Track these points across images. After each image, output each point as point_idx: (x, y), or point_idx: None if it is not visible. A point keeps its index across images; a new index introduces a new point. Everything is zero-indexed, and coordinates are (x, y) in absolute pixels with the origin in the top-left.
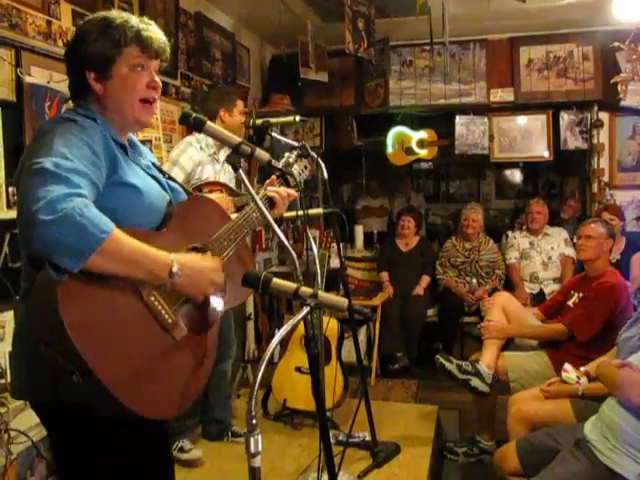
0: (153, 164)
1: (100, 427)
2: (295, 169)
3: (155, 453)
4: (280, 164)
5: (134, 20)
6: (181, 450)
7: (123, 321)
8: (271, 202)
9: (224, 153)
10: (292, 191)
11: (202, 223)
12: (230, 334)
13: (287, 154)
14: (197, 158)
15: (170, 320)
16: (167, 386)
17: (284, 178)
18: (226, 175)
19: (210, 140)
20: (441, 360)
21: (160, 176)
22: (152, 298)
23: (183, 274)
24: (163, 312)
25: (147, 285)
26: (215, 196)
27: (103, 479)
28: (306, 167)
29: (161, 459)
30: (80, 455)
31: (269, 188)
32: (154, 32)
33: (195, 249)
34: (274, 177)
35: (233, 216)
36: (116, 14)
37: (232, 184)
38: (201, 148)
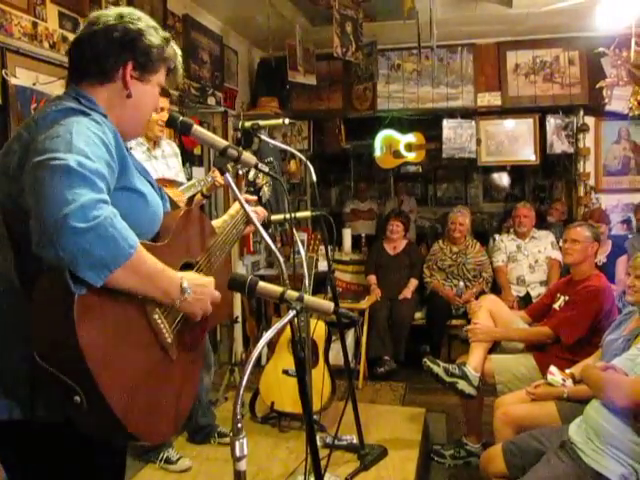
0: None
1: (70, 449)
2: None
3: (115, 471)
4: (266, 168)
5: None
6: (168, 461)
7: (130, 341)
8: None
9: (161, 149)
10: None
11: (194, 238)
12: (206, 344)
13: (253, 171)
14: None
15: (169, 340)
16: (166, 408)
17: (257, 194)
18: (171, 170)
19: (140, 138)
20: (428, 363)
21: (154, 182)
22: (155, 316)
23: (192, 292)
24: (164, 331)
25: (151, 303)
26: (170, 192)
27: None
28: (269, 184)
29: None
30: (37, 472)
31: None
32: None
33: (188, 265)
34: (247, 196)
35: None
36: (157, 26)
37: (180, 177)
38: (131, 149)
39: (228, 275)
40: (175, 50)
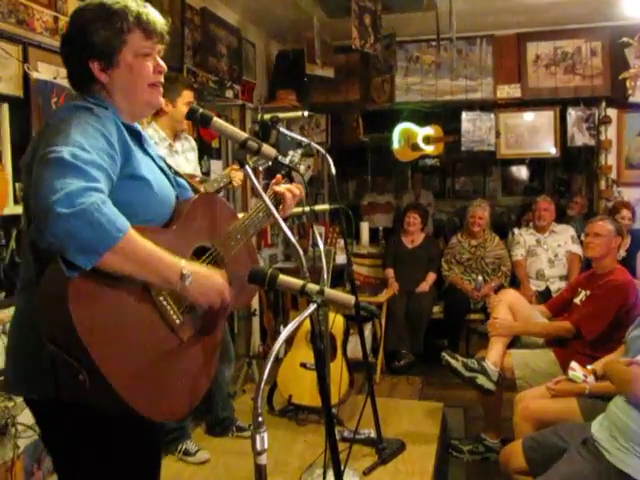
0: (161, 157)
1: (98, 425)
2: (301, 168)
3: (150, 452)
4: (286, 161)
5: (132, 3)
6: (187, 453)
7: (132, 321)
8: (277, 200)
9: (180, 143)
10: (301, 188)
11: (210, 221)
12: (226, 337)
13: (291, 152)
14: (161, 154)
15: (178, 321)
16: (174, 387)
17: (289, 176)
18: (190, 164)
19: (162, 133)
20: (447, 358)
21: (168, 170)
22: (161, 298)
23: (193, 280)
24: (171, 312)
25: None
26: None
27: (98, 475)
28: (309, 167)
29: (154, 459)
30: (76, 452)
31: (282, 185)
32: (153, 15)
33: (202, 248)
34: (280, 176)
35: (242, 214)
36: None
37: (197, 171)
38: (156, 144)
39: (255, 261)
40: (131, 11)
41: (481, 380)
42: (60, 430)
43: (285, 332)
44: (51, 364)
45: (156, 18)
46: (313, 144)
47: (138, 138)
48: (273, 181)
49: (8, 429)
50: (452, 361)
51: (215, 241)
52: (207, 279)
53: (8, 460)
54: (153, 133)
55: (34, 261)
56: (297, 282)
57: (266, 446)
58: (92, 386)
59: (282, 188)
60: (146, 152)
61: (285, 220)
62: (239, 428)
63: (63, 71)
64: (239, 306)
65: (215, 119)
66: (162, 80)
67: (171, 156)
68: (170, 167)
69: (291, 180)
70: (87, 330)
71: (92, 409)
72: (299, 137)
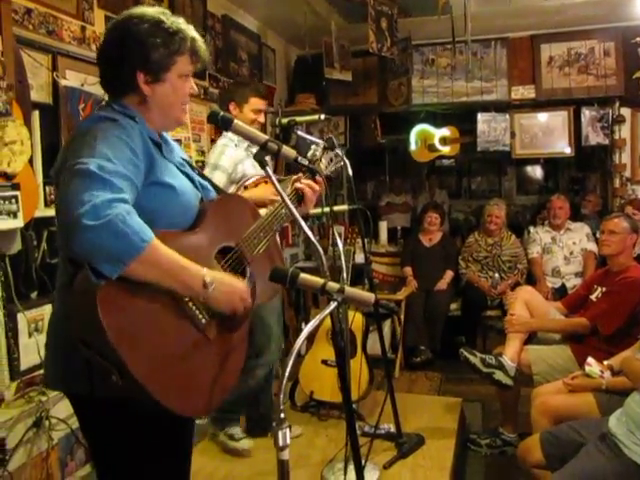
0: (184, 160)
1: (132, 420)
2: (322, 163)
3: (181, 446)
4: (306, 159)
5: (185, 26)
6: (231, 437)
7: (159, 323)
8: (299, 197)
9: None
10: (321, 182)
11: (233, 221)
12: (278, 332)
13: (313, 147)
14: (236, 157)
15: (204, 320)
16: (201, 385)
17: (311, 172)
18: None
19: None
20: (465, 354)
21: (192, 173)
22: (186, 298)
23: (216, 288)
24: (197, 312)
25: None
26: (260, 188)
27: (134, 466)
28: (332, 160)
29: (184, 452)
30: (113, 445)
31: (302, 181)
32: (202, 42)
33: (227, 248)
34: (301, 174)
35: (262, 211)
36: (165, 15)
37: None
38: (236, 146)
39: (279, 257)
40: (188, 35)
41: (499, 375)
42: (96, 423)
43: (306, 330)
44: (85, 364)
45: (204, 45)
46: (334, 139)
47: (159, 147)
48: (294, 178)
49: (42, 422)
50: (470, 357)
51: (239, 240)
52: (229, 286)
53: (44, 451)
54: (232, 135)
55: (69, 264)
56: (318, 281)
57: (288, 442)
58: (124, 385)
59: (302, 184)
60: (169, 159)
61: (306, 220)
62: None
63: (90, 78)
64: (265, 302)
65: (236, 122)
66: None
67: (249, 158)
68: (194, 168)
69: (313, 175)
70: (117, 333)
71: (125, 405)
72: (316, 139)
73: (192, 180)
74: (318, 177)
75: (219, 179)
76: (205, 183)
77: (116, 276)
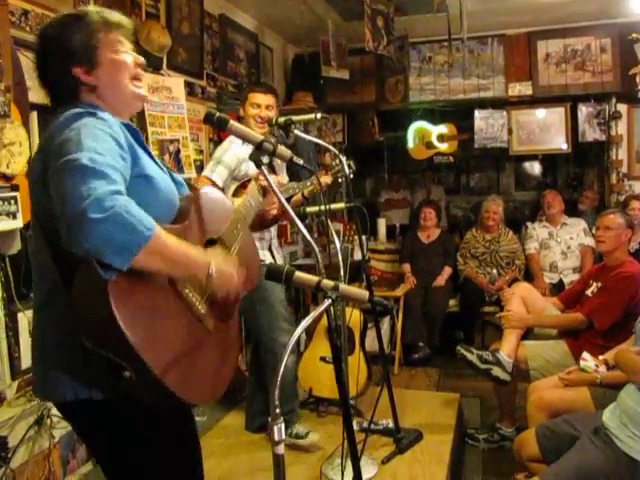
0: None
1: (132, 420)
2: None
3: (187, 437)
4: (301, 160)
5: (90, 8)
6: (297, 437)
7: (165, 315)
8: (263, 192)
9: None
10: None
11: (214, 215)
12: (278, 310)
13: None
14: (241, 155)
15: (203, 310)
16: (205, 373)
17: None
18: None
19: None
20: (462, 351)
21: (164, 167)
22: (186, 290)
23: (218, 275)
24: (197, 303)
25: (180, 279)
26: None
27: (141, 463)
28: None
29: (190, 443)
30: (115, 448)
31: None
32: (115, 13)
33: (211, 241)
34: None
35: (237, 202)
36: (68, 9)
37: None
38: (243, 144)
39: (253, 246)
40: (92, 11)
41: (496, 371)
42: (95, 428)
43: (301, 326)
44: (86, 366)
45: (114, 13)
46: (328, 146)
47: (137, 136)
48: (254, 175)
49: (44, 420)
50: (467, 354)
51: (220, 232)
52: (227, 270)
53: (45, 449)
54: (237, 144)
55: (57, 267)
56: (313, 278)
57: (284, 436)
58: (138, 380)
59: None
60: (146, 150)
61: (304, 218)
62: (297, 435)
63: None
64: (244, 293)
65: (231, 122)
66: (143, 73)
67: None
68: (165, 165)
69: (273, 171)
70: (130, 327)
71: (125, 405)
72: (314, 139)
73: (168, 174)
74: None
75: (220, 174)
76: (178, 178)
77: (126, 267)
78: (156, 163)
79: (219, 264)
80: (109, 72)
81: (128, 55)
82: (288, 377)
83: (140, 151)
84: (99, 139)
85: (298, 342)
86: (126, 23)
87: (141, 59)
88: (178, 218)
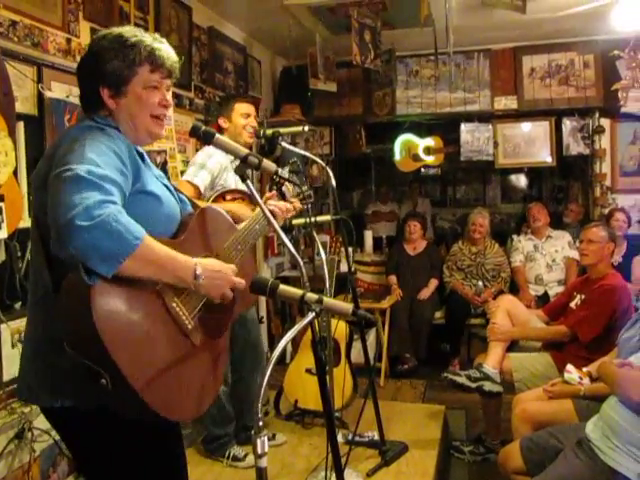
0: (160, 174)
1: (115, 429)
2: (289, 188)
3: (169, 452)
4: (286, 174)
5: (148, 38)
6: (235, 459)
7: (149, 326)
8: (272, 214)
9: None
10: (295, 204)
11: (213, 233)
12: (259, 346)
13: (280, 170)
14: (224, 162)
15: (190, 325)
16: (188, 389)
17: (281, 193)
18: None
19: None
20: (450, 376)
21: (170, 186)
22: (174, 304)
23: (205, 277)
24: (183, 318)
25: (169, 291)
26: (236, 204)
27: (123, 473)
28: (297, 184)
29: (175, 458)
30: (98, 456)
31: (270, 202)
32: (166, 51)
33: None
34: (273, 193)
35: (240, 226)
36: (131, 31)
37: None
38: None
39: (253, 267)
40: (145, 45)
41: (488, 386)
42: (79, 435)
43: (285, 339)
44: (71, 372)
45: (168, 54)
46: (315, 158)
47: (142, 158)
48: (266, 196)
49: (25, 434)
50: (456, 378)
51: (219, 251)
52: (215, 271)
53: (25, 464)
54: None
55: (50, 272)
56: (297, 292)
57: (267, 449)
58: (114, 389)
59: (272, 205)
60: (150, 170)
61: (291, 230)
62: (234, 458)
63: (75, 90)
64: (246, 307)
65: (217, 136)
66: (167, 114)
67: (231, 171)
68: (172, 184)
69: (283, 196)
70: (109, 334)
71: (109, 415)
72: (301, 151)
73: (172, 193)
74: (289, 195)
75: (204, 179)
76: (182, 197)
77: (112, 275)
78: (162, 183)
79: (204, 264)
80: (131, 105)
81: (156, 96)
82: (219, 402)
83: (144, 169)
84: (101, 153)
85: (284, 354)
86: (170, 62)
87: (168, 100)
88: (177, 233)
